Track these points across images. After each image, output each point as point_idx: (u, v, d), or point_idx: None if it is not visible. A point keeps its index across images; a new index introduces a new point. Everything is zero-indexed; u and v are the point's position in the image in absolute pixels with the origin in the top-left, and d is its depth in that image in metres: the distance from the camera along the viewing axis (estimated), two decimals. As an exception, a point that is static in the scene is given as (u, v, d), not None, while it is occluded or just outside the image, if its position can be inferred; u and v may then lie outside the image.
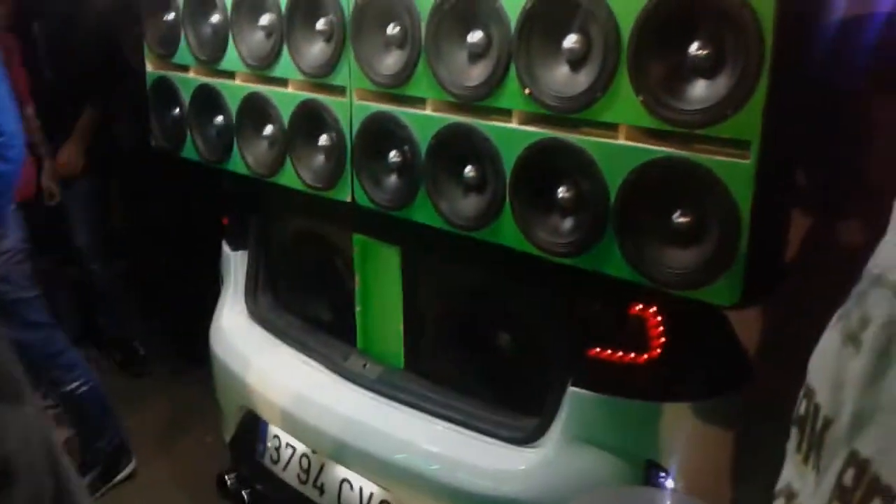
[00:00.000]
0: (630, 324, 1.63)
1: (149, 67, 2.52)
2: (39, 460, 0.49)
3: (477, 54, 1.69)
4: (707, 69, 1.34)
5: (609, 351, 1.66)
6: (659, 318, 1.60)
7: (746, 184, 1.32)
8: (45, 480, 0.49)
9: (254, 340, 2.49)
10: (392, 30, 1.83)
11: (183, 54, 2.36)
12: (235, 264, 2.61)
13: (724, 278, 1.38)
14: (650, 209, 1.45)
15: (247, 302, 2.58)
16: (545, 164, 1.60)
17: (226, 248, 2.64)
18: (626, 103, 1.43)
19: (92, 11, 3.01)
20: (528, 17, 1.54)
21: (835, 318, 0.60)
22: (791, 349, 1.60)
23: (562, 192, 1.59)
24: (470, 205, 1.78)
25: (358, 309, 2.23)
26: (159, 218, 3.76)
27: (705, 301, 1.41)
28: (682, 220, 1.41)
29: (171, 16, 2.38)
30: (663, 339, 1.60)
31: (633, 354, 1.63)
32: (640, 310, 1.62)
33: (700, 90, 1.36)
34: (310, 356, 2.34)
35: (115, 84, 3.30)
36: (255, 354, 2.44)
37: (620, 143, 1.47)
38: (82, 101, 3.30)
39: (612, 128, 1.49)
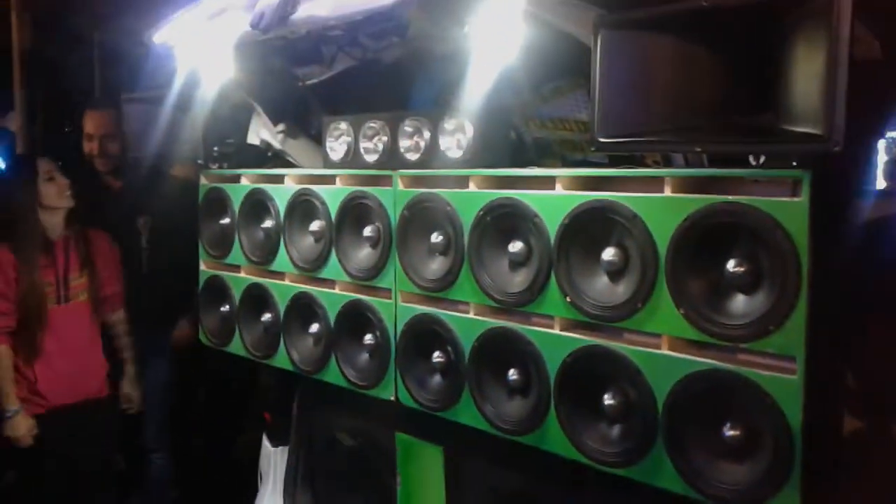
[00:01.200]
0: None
1: (202, 267, 2.65)
2: None
3: (518, 263, 1.76)
4: (746, 285, 1.38)
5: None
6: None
7: (795, 398, 1.31)
8: None
9: (292, 541, 2.42)
10: (436, 238, 1.93)
11: (236, 255, 2.49)
12: (276, 460, 2.59)
13: (779, 496, 1.34)
14: (699, 420, 1.44)
15: (285, 500, 2.53)
16: (589, 370, 1.61)
17: (266, 443, 2.64)
18: (667, 315, 1.47)
19: (185, 209, 2.98)
20: (566, 231, 1.62)
21: None
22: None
23: (608, 398, 1.59)
24: (515, 408, 1.78)
25: (400, 510, 2.18)
26: (204, 407, 3.77)
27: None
28: (732, 433, 1.40)
29: (226, 220, 2.53)
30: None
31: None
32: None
33: (740, 305, 1.39)
34: (349, 560, 2.26)
35: None
36: (292, 557, 2.37)
37: (664, 353, 1.49)
38: (177, 304, 3.30)
39: (655, 336, 1.51)
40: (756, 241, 1.36)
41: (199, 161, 2.61)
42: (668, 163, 1.65)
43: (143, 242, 3.25)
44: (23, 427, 2.76)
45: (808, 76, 1.17)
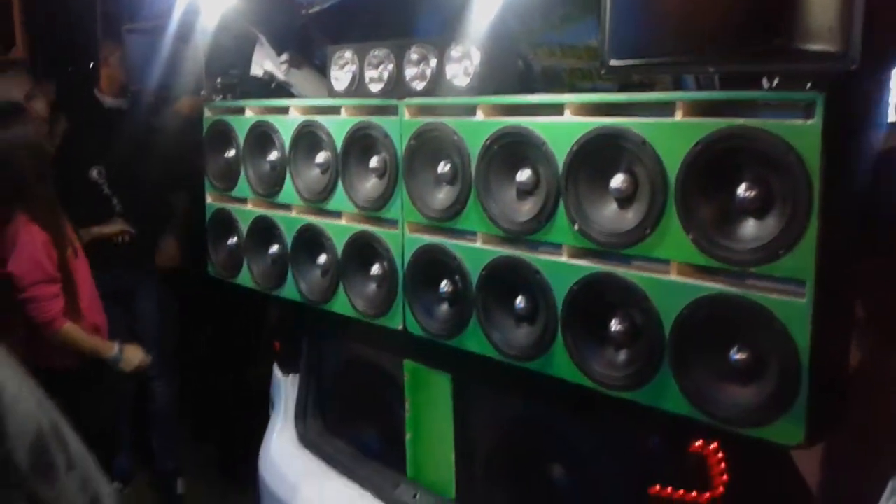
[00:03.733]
0: (691, 461, 1.59)
1: (209, 200, 2.64)
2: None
3: (526, 191, 1.75)
4: (756, 209, 1.37)
5: (670, 489, 1.62)
6: (721, 455, 1.56)
7: (803, 322, 1.32)
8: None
9: (303, 467, 2.48)
10: (443, 167, 1.91)
11: (242, 188, 2.48)
12: (286, 389, 2.64)
13: (786, 417, 1.36)
14: (706, 345, 1.45)
15: (297, 427, 2.59)
16: (597, 297, 1.62)
17: (277, 372, 2.68)
18: (675, 241, 1.46)
19: (159, 148, 3.14)
20: (574, 158, 1.61)
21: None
22: (856, 483, 1.55)
23: (615, 324, 1.60)
24: (522, 335, 1.80)
25: (408, 436, 2.23)
26: (212, 340, 3.83)
27: (768, 440, 1.39)
28: (739, 356, 1.41)
29: (231, 153, 2.52)
30: (726, 477, 1.56)
31: (694, 493, 1.59)
32: (701, 446, 1.59)
33: (750, 229, 1.38)
34: (360, 484, 2.32)
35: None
36: (303, 482, 2.43)
37: (672, 279, 1.49)
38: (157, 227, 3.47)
39: (663, 263, 1.52)
40: (767, 165, 1.34)
41: (203, 93, 2.58)
42: (678, 87, 1.62)
43: (105, 189, 3.32)
44: (135, 357, 2.73)
45: (825, -8, 1.14)
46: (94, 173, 3.31)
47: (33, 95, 3.72)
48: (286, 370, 2.66)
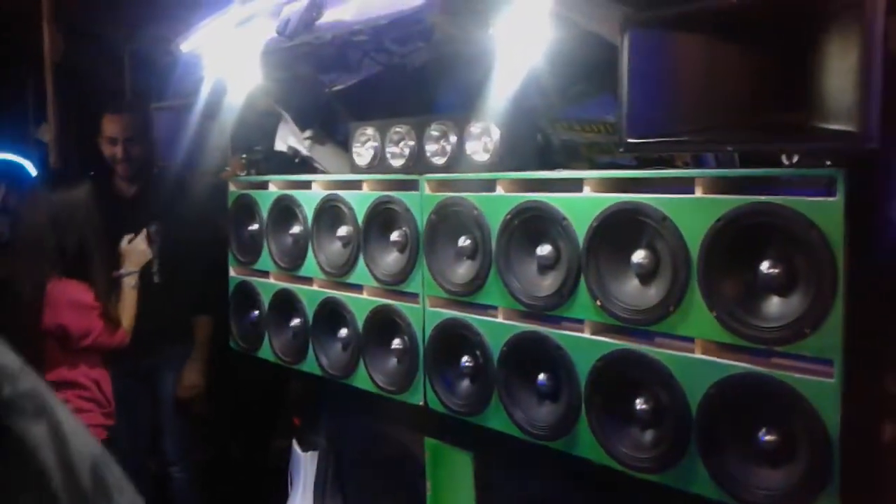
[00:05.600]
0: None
1: (231, 273, 2.67)
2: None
3: (546, 266, 1.75)
4: (780, 287, 1.35)
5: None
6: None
7: (833, 402, 1.28)
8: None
9: (322, 547, 2.43)
10: (464, 242, 1.92)
11: (264, 261, 2.50)
12: (305, 465, 2.59)
13: (819, 502, 1.30)
14: (734, 425, 1.41)
15: (316, 504, 2.54)
16: (620, 374, 1.59)
17: (296, 448, 2.64)
18: (699, 318, 1.44)
19: (207, 217, 2.91)
20: (594, 234, 1.60)
21: None
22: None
23: (640, 403, 1.57)
24: (545, 413, 1.76)
25: (430, 516, 2.17)
26: (233, 414, 3.79)
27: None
28: (768, 437, 1.37)
29: (254, 226, 2.55)
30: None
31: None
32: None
33: (775, 307, 1.36)
34: (379, 566, 2.26)
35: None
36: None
37: (697, 357, 1.46)
38: (192, 308, 3.14)
39: (687, 340, 1.49)
40: (790, 242, 1.33)
41: (227, 168, 2.63)
42: (697, 164, 1.62)
43: (154, 251, 3.01)
44: (140, 246, 2.75)
45: (841, 72, 1.14)
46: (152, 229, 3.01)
47: None
48: (305, 446, 2.63)
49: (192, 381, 3.10)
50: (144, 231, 2.81)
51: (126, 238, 2.78)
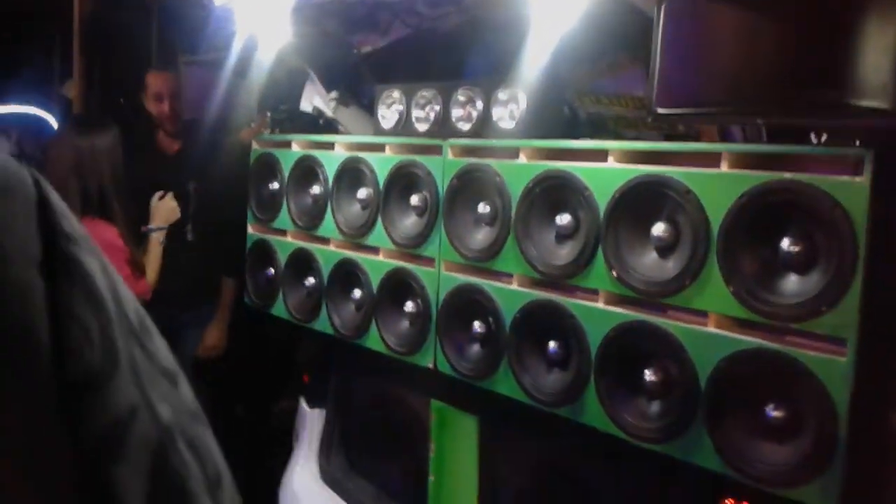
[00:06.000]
0: (721, 519, 1.55)
1: (250, 230, 2.69)
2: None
3: (565, 235, 1.75)
4: (799, 264, 1.36)
5: (698, 546, 1.57)
6: (751, 515, 1.52)
7: (844, 381, 1.29)
8: None
9: (324, 504, 2.46)
10: (483, 208, 1.93)
11: (283, 220, 2.52)
12: (312, 422, 2.63)
13: (821, 479, 1.32)
14: (742, 400, 1.42)
15: (319, 462, 2.57)
16: (632, 345, 1.60)
17: (303, 404, 2.68)
18: (715, 292, 1.45)
19: (240, 177, 2.88)
20: (616, 205, 1.61)
21: None
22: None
23: (649, 374, 1.58)
24: (553, 380, 1.78)
25: (431, 479, 2.20)
26: (243, 370, 3.83)
27: (801, 502, 1.34)
28: (775, 413, 1.38)
29: (275, 185, 2.57)
30: (756, 539, 1.51)
31: (724, 553, 1.54)
32: (731, 504, 1.55)
33: (793, 285, 1.36)
34: (379, 525, 2.29)
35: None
36: (324, 519, 2.40)
37: (710, 331, 1.47)
38: (222, 268, 3.15)
39: (701, 314, 1.50)
40: (813, 221, 1.33)
41: (252, 125, 2.65)
42: (724, 139, 1.62)
43: (190, 209, 3.09)
44: (170, 204, 2.80)
45: (878, 49, 1.14)
46: (190, 187, 3.11)
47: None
48: (313, 404, 2.66)
49: (214, 342, 3.14)
50: (172, 192, 2.83)
51: (157, 195, 2.81)
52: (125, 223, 2.55)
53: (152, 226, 2.71)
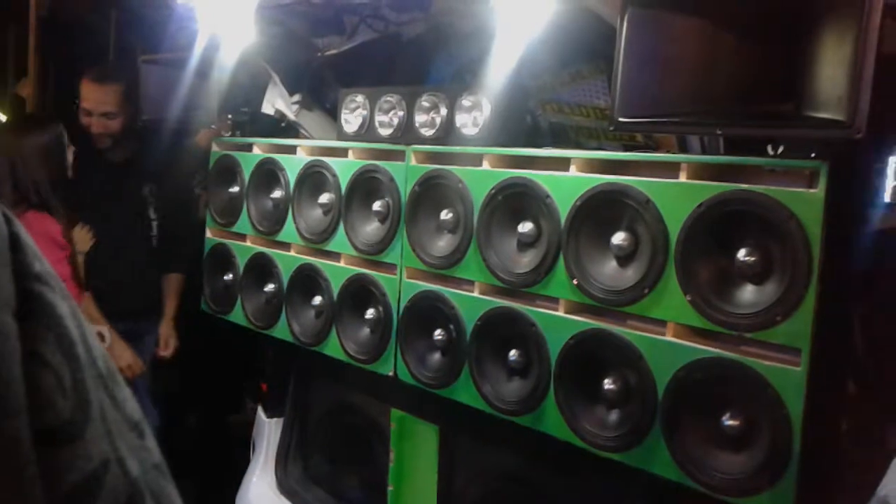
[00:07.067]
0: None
1: (208, 234, 2.64)
2: None
3: (526, 243, 1.75)
4: (755, 275, 1.37)
5: (654, 555, 1.57)
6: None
7: (797, 390, 1.30)
8: None
9: (280, 514, 2.42)
10: (446, 215, 1.92)
11: (243, 224, 2.48)
12: (269, 432, 2.58)
13: (774, 488, 1.33)
14: (699, 408, 1.43)
15: (277, 472, 2.53)
16: (591, 354, 1.60)
17: (261, 414, 2.63)
18: (673, 301, 1.46)
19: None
20: (577, 213, 1.61)
21: None
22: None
23: (608, 383, 1.58)
24: (513, 388, 1.77)
25: (390, 488, 2.18)
26: (199, 378, 3.76)
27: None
28: (731, 422, 1.39)
29: (235, 188, 2.53)
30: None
31: (679, 561, 1.55)
32: (687, 513, 1.55)
33: (749, 295, 1.38)
34: (336, 535, 2.26)
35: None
36: (279, 529, 2.36)
37: (668, 340, 1.48)
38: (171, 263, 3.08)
39: (659, 323, 1.51)
40: (768, 231, 1.35)
41: (213, 126, 2.61)
42: (683, 149, 1.64)
43: (150, 213, 3.02)
44: (84, 236, 2.75)
45: (834, 62, 1.16)
46: (146, 191, 3.03)
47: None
48: (271, 413, 2.62)
49: (166, 337, 3.04)
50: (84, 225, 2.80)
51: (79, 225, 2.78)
52: (67, 222, 2.51)
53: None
